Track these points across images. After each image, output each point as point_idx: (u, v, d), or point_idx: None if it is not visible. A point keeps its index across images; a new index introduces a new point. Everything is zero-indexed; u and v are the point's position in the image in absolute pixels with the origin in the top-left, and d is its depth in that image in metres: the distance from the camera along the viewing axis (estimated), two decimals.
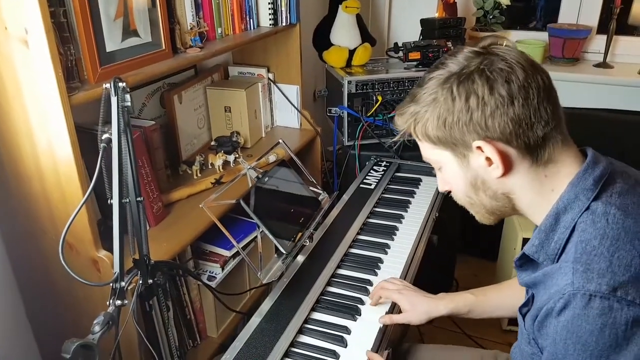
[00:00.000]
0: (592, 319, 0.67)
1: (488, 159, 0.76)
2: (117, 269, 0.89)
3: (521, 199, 0.80)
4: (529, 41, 2.36)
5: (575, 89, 2.13)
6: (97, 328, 0.79)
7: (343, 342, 1.06)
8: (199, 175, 1.52)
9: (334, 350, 1.04)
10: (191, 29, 1.33)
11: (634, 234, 0.70)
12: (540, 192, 0.78)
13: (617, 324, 0.66)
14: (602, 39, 2.28)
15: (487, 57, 0.74)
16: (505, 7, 2.40)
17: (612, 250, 0.69)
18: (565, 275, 0.71)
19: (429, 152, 0.82)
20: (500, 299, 1.12)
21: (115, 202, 0.90)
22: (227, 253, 1.42)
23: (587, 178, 0.75)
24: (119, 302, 0.87)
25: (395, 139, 0.90)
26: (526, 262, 0.84)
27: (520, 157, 0.76)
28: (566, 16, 2.35)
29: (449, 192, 0.88)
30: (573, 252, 0.72)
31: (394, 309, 1.15)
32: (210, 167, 1.57)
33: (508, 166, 0.76)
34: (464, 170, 0.80)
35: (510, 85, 0.72)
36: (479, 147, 0.75)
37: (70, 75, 1.01)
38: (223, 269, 1.41)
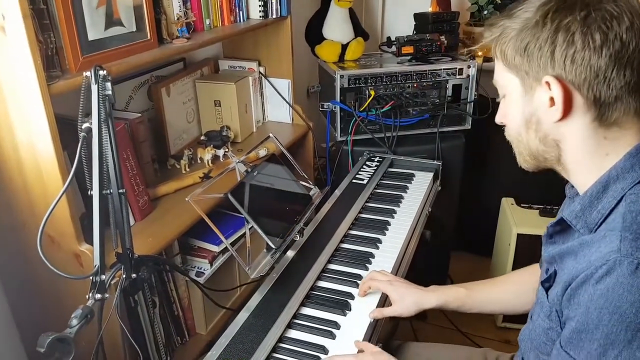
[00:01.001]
0: (637, 289, 0.63)
1: (551, 99, 0.72)
2: (97, 261, 0.86)
3: (570, 152, 0.76)
4: None
5: None
6: (74, 321, 0.77)
7: (332, 337, 1.04)
8: (187, 169, 1.50)
9: (323, 345, 1.02)
10: (178, 19, 1.30)
11: None
12: (593, 152, 0.74)
13: None
14: None
15: None
16: (499, 2, 2.38)
17: None
18: (611, 242, 0.67)
19: (501, 74, 0.79)
20: (492, 294, 1.10)
21: (95, 192, 0.87)
22: (216, 248, 1.40)
23: None
24: (98, 295, 0.85)
25: (473, 47, 0.88)
26: (559, 231, 0.81)
27: (585, 109, 0.71)
28: None
29: (503, 126, 0.85)
30: (620, 222, 0.68)
31: (384, 303, 1.13)
32: (199, 161, 1.55)
33: (567, 111, 0.72)
34: (524, 103, 0.76)
35: (608, 32, 0.67)
36: (547, 83, 0.71)
37: (51, 63, 0.99)
38: (212, 265, 1.39)
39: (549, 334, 0.79)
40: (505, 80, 0.79)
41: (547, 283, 0.81)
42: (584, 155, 0.75)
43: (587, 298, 0.67)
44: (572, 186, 0.82)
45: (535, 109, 0.75)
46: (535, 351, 0.85)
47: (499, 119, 0.85)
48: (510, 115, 0.80)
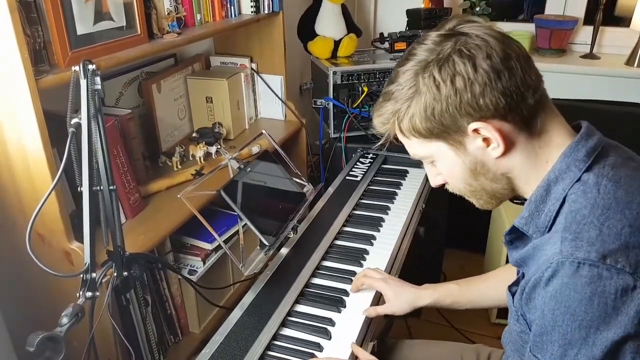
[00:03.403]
0: (581, 287, 0.65)
1: (485, 139, 0.73)
2: (87, 259, 0.85)
3: (520, 177, 0.77)
4: (515, 32, 2.34)
5: (561, 80, 2.12)
6: (64, 320, 0.76)
7: (327, 335, 1.03)
8: (179, 166, 1.48)
9: (318, 343, 1.01)
10: (168, 14, 1.29)
11: (625, 204, 0.68)
12: (536, 166, 0.76)
13: (606, 292, 0.64)
14: (588, 30, 2.27)
15: (458, 37, 0.72)
16: None
17: (602, 219, 0.67)
18: (554, 244, 0.69)
19: (419, 147, 0.78)
20: (484, 289, 1.11)
21: (85, 189, 0.86)
22: (209, 246, 1.39)
23: (579, 149, 0.73)
24: (89, 293, 0.84)
25: (379, 144, 0.87)
26: (516, 237, 0.82)
27: (517, 131, 0.73)
28: (553, 7, 2.34)
29: (443, 185, 0.85)
30: (563, 222, 0.70)
31: (379, 301, 1.12)
32: (191, 158, 1.53)
33: (508, 143, 0.73)
34: (462, 158, 0.76)
35: (492, 59, 0.69)
36: (475, 130, 0.72)
37: (39, 58, 0.97)
38: (204, 263, 1.37)
39: (522, 336, 0.81)
40: (427, 150, 0.78)
41: (515, 287, 0.82)
42: (530, 173, 0.76)
43: (541, 301, 0.69)
44: None
45: (474, 156, 0.76)
46: (517, 353, 0.86)
47: (436, 182, 0.84)
48: (451, 174, 0.80)
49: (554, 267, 0.67)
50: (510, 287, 0.84)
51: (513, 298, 0.82)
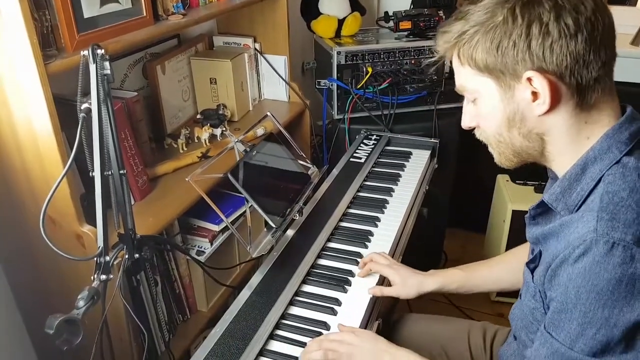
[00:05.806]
0: (612, 267, 0.65)
1: (534, 93, 0.71)
2: (100, 243, 0.87)
3: (555, 143, 0.76)
4: None
5: None
6: (81, 303, 0.78)
7: (334, 313, 1.06)
8: (184, 149, 1.49)
9: (325, 322, 1.04)
10: None
11: None
12: (575, 139, 0.74)
13: (635, 275, 0.64)
14: None
15: None
16: None
17: None
18: (588, 223, 0.68)
19: (469, 79, 0.76)
20: (488, 275, 1.12)
21: (97, 174, 0.87)
22: (216, 228, 1.40)
23: (623, 132, 0.72)
24: (103, 276, 0.85)
25: (432, 60, 0.86)
26: (541, 213, 0.82)
27: (568, 96, 0.71)
28: None
29: (472, 129, 0.83)
30: (598, 202, 0.69)
31: (384, 282, 1.15)
32: (196, 140, 1.54)
33: (555, 102, 0.71)
34: (505, 103, 0.74)
35: (578, 16, 0.67)
36: (529, 79, 0.70)
37: (47, 42, 0.96)
38: (212, 244, 1.39)
39: (534, 314, 0.81)
40: (476, 84, 0.76)
41: (533, 264, 0.82)
42: (567, 144, 0.75)
43: (566, 278, 0.69)
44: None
45: (517, 106, 0.74)
46: (525, 330, 0.87)
47: (467, 123, 0.83)
48: (488, 117, 0.78)
49: (587, 244, 0.66)
50: (528, 264, 0.84)
51: (532, 274, 0.82)
